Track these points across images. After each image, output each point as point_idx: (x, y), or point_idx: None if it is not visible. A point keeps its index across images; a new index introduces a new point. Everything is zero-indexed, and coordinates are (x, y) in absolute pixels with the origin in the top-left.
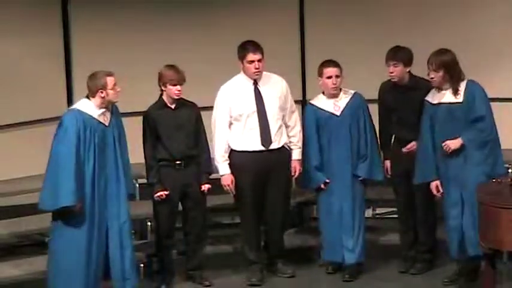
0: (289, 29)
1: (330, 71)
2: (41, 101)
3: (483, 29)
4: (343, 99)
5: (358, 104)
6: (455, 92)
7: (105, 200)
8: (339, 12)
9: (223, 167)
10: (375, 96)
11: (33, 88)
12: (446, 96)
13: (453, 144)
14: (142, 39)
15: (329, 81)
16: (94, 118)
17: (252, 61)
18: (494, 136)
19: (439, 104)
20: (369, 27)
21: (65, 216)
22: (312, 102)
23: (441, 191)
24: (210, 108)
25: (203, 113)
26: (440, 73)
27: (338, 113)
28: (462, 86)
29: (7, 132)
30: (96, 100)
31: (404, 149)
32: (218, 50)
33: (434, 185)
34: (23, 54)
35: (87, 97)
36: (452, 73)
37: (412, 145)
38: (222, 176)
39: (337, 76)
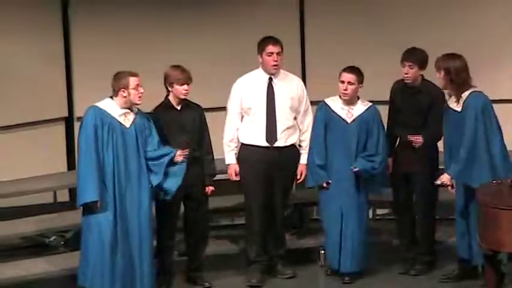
0: (289, 29)
1: (344, 75)
2: (41, 101)
3: (483, 29)
4: (358, 109)
5: (372, 116)
6: (457, 100)
7: (125, 202)
8: (339, 12)
9: (228, 156)
10: (375, 97)
11: (33, 88)
12: (451, 102)
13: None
14: (142, 39)
15: (341, 86)
16: (114, 118)
17: (272, 53)
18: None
19: (448, 107)
20: (369, 28)
21: (90, 211)
22: (327, 101)
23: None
24: (210, 109)
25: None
26: (441, 76)
27: (349, 120)
28: (464, 96)
29: (7, 132)
30: (118, 100)
31: (412, 139)
32: (218, 50)
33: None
34: (23, 54)
35: (111, 97)
36: (455, 80)
37: (417, 138)
38: (227, 165)
39: (349, 83)
